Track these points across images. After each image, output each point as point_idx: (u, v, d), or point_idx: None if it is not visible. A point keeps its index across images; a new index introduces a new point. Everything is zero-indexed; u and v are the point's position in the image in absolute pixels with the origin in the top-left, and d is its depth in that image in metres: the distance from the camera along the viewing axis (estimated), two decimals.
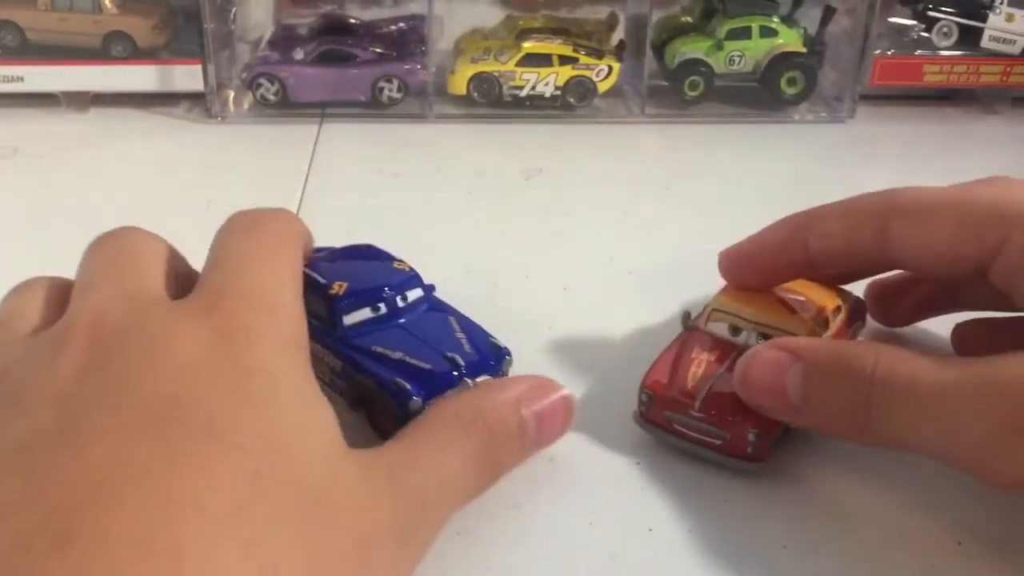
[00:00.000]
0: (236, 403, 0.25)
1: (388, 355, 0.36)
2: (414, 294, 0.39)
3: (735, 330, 0.38)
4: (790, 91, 0.70)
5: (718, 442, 0.35)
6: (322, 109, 0.69)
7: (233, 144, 0.65)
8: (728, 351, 0.37)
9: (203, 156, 0.63)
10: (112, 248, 0.32)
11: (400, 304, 0.38)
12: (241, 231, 0.33)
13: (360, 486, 0.27)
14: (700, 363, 0.36)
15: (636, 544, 0.32)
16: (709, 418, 0.35)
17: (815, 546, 0.33)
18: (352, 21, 0.74)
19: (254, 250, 0.32)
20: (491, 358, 0.37)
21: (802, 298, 0.39)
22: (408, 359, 0.36)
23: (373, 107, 0.69)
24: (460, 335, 0.37)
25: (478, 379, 0.36)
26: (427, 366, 0.35)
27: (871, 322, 0.43)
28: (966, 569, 0.32)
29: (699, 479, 0.35)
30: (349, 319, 0.37)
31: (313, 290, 0.38)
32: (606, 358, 0.42)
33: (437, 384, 0.35)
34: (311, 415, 0.27)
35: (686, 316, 0.39)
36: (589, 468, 0.36)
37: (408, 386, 0.34)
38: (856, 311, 0.41)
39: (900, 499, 0.35)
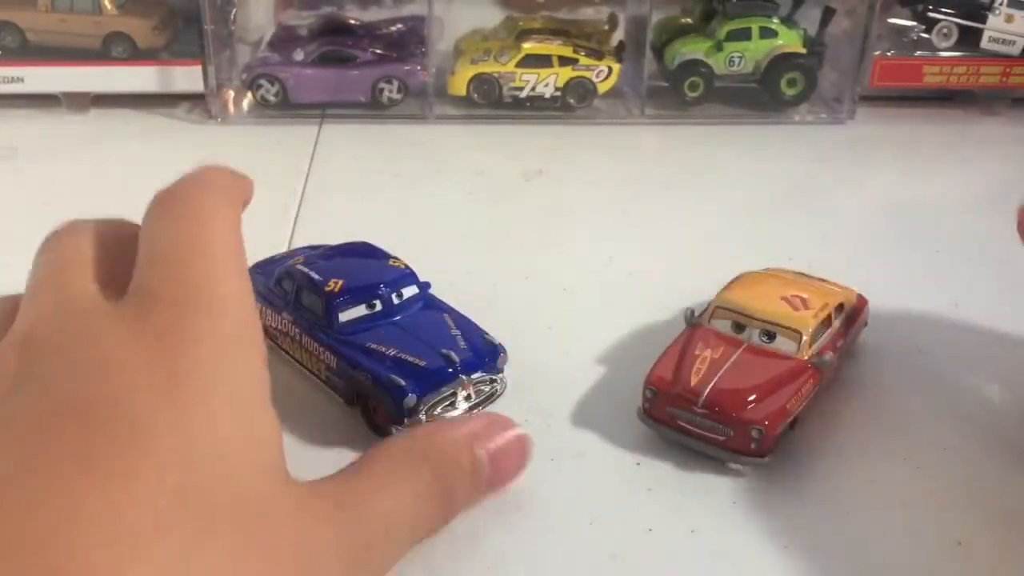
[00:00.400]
0: (164, 413, 0.23)
1: (383, 352, 0.36)
2: (409, 291, 0.39)
3: (738, 327, 0.38)
4: (790, 92, 0.70)
5: (722, 438, 0.35)
6: (322, 110, 0.69)
7: (233, 145, 0.65)
8: (732, 348, 0.37)
9: (203, 157, 0.62)
10: (54, 253, 0.30)
11: (395, 301, 0.38)
12: (164, 215, 0.29)
13: (301, 512, 0.25)
14: (704, 359, 0.37)
15: (636, 544, 0.32)
16: (713, 414, 0.35)
17: (815, 546, 0.33)
18: (352, 22, 0.74)
19: (182, 237, 0.28)
20: (486, 355, 0.37)
21: (805, 295, 0.39)
22: (403, 356, 0.36)
23: (373, 108, 0.69)
24: (455, 332, 0.38)
25: (473, 376, 0.36)
26: (422, 363, 0.36)
27: (876, 326, 0.43)
28: (966, 569, 0.32)
29: (699, 479, 0.35)
30: (344, 316, 0.37)
31: (309, 287, 0.38)
32: (606, 358, 0.42)
33: (432, 380, 0.35)
34: (251, 429, 0.25)
35: (690, 313, 0.40)
36: (590, 468, 0.36)
37: (403, 382, 0.35)
38: (858, 309, 0.42)
39: (900, 499, 0.35)
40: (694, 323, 0.39)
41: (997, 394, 0.41)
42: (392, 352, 0.36)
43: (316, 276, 0.38)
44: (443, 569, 0.31)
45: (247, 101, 0.70)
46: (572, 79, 0.69)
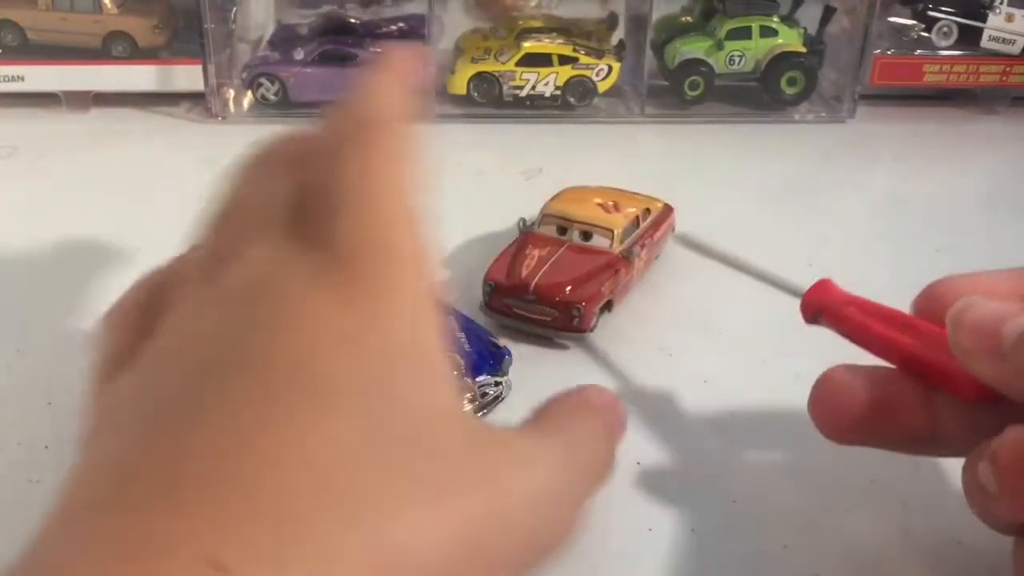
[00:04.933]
0: (349, 368, 0.23)
1: None
2: None
3: (562, 230, 0.46)
4: (790, 91, 0.70)
5: (549, 319, 0.42)
6: (322, 109, 0.69)
7: (233, 144, 0.64)
8: (556, 247, 0.45)
9: (203, 156, 0.63)
10: (245, 192, 0.29)
11: None
12: (353, 151, 0.28)
13: (504, 451, 0.25)
14: (533, 257, 0.44)
15: (637, 544, 0.33)
16: (541, 300, 0.42)
17: (815, 546, 0.33)
18: (352, 21, 0.74)
19: (372, 178, 0.27)
20: (490, 358, 0.37)
21: (616, 202, 0.48)
22: None
23: None
24: (459, 335, 0.37)
25: (478, 379, 0.36)
26: None
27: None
28: (966, 569, 0.32)
29: (699, 479, 0.35)
30: None
31: None
32: (606, 358, 0.43)
33: None
34: (434, 380, 0.25)
35: (522, 221, 0.47)
36: None
37: None
38: (664, 215, 0.50)
39: (900, 499, 0.35)
40: (526, 230, 0.47)
41: None
42: None
43: None
44: None
45: (247, 100, 0.70)
46: (572, 78, 0.69)
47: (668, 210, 0.51)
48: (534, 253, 0.44)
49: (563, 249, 0.45)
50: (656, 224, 0.49)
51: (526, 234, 0.47)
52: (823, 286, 0.34)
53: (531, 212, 0.57)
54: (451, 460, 0.23)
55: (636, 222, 0.47)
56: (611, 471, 0.29)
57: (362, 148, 0.28)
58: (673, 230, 0.50)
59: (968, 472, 0.29)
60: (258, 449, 0.21)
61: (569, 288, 0.42)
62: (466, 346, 0.37)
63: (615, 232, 0.45)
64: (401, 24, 0.74)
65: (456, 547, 0.22)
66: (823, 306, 0.34)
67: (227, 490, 0.20)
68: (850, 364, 0.32)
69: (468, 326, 0.38)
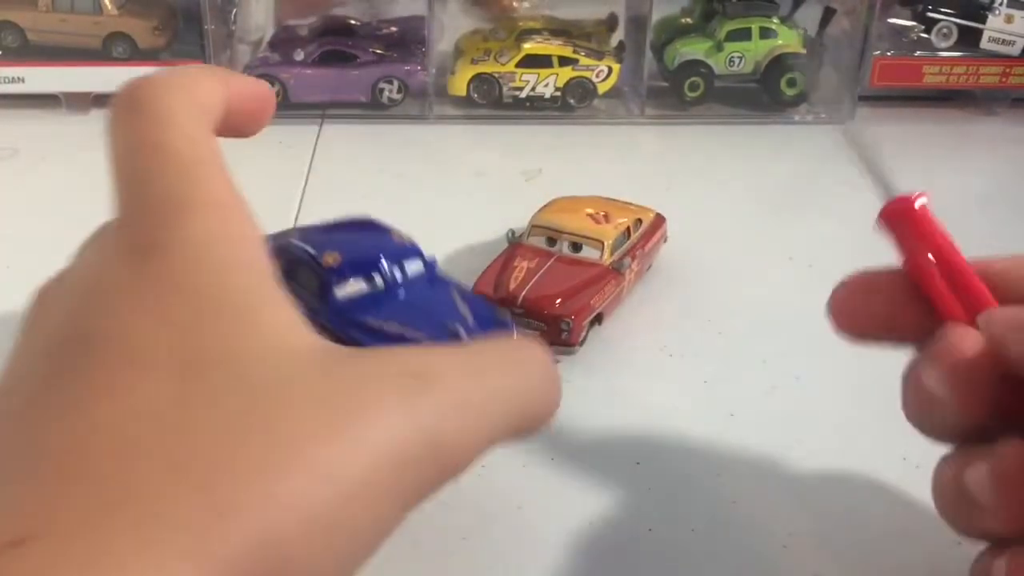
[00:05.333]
0: (152, 327, 0.23)
1: (382, 328, 0.33)
2: (413, 267, 0.36)
3: (551, 241, 0.45)
4: (790, 92, 0.70)
5: (537, 333, 0.41)
6: (322, 110, 0.69)
7: (233, 144, 0.65)
8: (545, 258, 0.44)
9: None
10: None
11: (398, 277, 0.35)
12: (118, 122, 0.28)
13: (341, 383, 0.22)
14: (521, 269, 0.43)
15: (637, 544, 0.33)
16: (528, 313, 0.41)
17: (815, 546, 0.33)
18: (352, 22, 0.74)
19: (137, 142, 0.26)
20: (495, 330, 0.35)
21: (606, 212, 0.47)
22: (404, 332, 0.33)
23: (373, 108, 0.69)
24: (462, 307, 0.35)
25: None
26: (424, 338, 0.32)
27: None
28: (966, 569, 0.32)
29: (700, 479, 0.35)
30: (341, 292, 0.34)
31: (304, 262, 0.35)
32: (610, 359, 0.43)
33: None
34: (253, 322, 0.23)
35: (511, 233, 0.47)
36: (589, 468, 0.36)
37: None
38: (655, 225, 0.49)
39: (900, 499, 0.35)
40: (514, 241, 0.46)
41: None
42: (392, 329, 0.33)
43: (312, 250, 0.35)
44: (441, 568, 0.31)
45: None
46: (572, 79, 0.69)
47: (660, 220, 0.50)
48: (522, 265, 0.43)
49: (552, 261, 0.44)
50: (647, 235, 0.48)
51: (515, 245, 0.46)
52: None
53: (531, 213, 0.57)
54: (298, 406, 0.21)
55: (627, 233, 0.46)
56: (544, 415, 0.26)
57: (124, 120, 0.28)
58: (665, 240, 0.50)
59: (943, 476, 0.28)
60: (68, 422, 0.21)
61: (558, 301, 0.41)
62: (469, 319, 0.34)
63: (605, 243, 0.44)
64: (401, 25, 0.74)
65: (315, 515, 0.20)
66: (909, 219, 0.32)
67: (37, 464, 0.20)
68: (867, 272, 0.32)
69: (470, 298, 0.36)
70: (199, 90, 0.29)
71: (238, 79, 0.31)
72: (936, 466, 0.29)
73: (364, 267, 0.34)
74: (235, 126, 0.30)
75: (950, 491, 0.28)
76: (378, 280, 0.34)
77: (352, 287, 0.34)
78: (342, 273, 0.34)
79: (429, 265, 0.37)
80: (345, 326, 0.33)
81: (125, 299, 0.23)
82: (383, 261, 0.35)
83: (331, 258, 0.34)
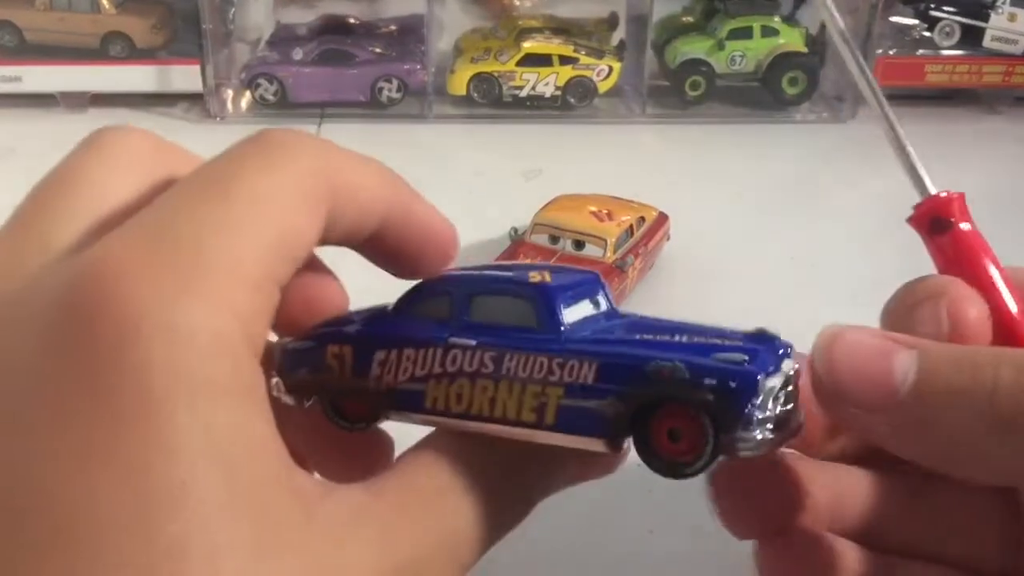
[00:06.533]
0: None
1: (669, 340, 0.24)
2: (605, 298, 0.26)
3: (554, 239, 0.45)
4: (791, 91, 0.70)
5: None
6: (321, 109, 0.69)
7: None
8: (547, 256, 0.44)
9: (202, 156, 0.63)
10: None
11: (612, 303, 0.26)
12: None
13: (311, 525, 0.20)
14: None
15: (637, 545, 0.32)
16: None
17: None
18: (351, 21, 0.74)
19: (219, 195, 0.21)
20: (767, 342, 0.24)
21: (609, 210, 0.47)
22: (700, 340, 0.23)
23: (372, 107, 0.69)
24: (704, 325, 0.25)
25: (786, 365, 0.24)
26: (736, 342, 0.23)
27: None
28: None
29: (700, 479, 0.35)
30: (569, 315, 0.24)
31: (494, 290, 0.25)
32: None
33: (767, 354, 0.23)
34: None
35: (513, 231, 0.47)
36: None
37: (744, 357, 0.22)
38: (658, 224, 0.49)
39: None
40: (517, 239, 0.46)
41: None
42: (683, 339, 0.24)
43: (500, 273, 0.26)
44: None
45: (246, 100, 0.69)
46: (572, 78, 0.69)
47: (663, 218, 0.50)
48: (524, 263, 0.43)
49: (555, 259, 0.44)
50: (650, 232, 0.48)
51: (517, 243, 0.46)
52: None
53: (530, 213, 0.57)
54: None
55: (630, 231, 0.46)
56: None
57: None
58: (668, 238, 0.50)
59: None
60: None
61: None
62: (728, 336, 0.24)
63: (608, 241, 0.45)
64: (401, 24, 0.74)
65: None
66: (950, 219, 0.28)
67: None
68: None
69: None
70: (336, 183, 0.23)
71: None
72: None
73: (584, 285, 0.26)
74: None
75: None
76: (602, 302, 0.26)
77: (579, 310, 0.25)
78: (566, 290, 0.25)
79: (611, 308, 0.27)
80: (606, 347, 0.24)
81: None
82: (598, 279, 0.27)
83: (538, 276, 0.25)
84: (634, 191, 0.59)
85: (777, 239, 0.53)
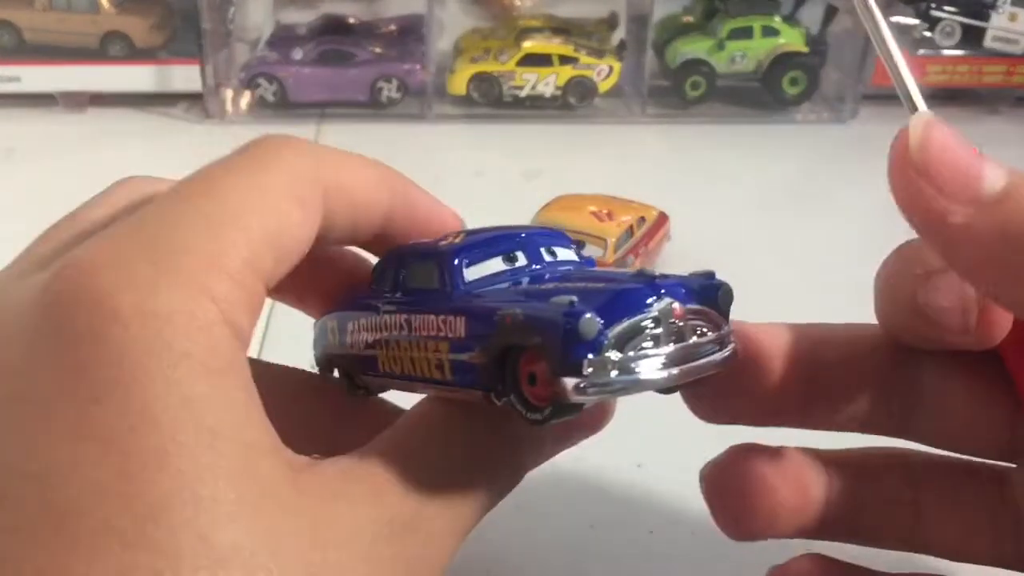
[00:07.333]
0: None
1: (538, 289, 0.25)
2: (565, 253, 0.27)
3: None
4: (792, 91, 0.70)
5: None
6: (321, 109, 0.69)
7: (231, 144, 0.64)
8: None
9: (201, 156, 0.62)
10: None
11: (545, 257, 0.27)
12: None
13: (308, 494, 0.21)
14: None
15: (637, 546, 0.32)
16: None
17: (814, 547, 0.32)
18: (351, 21, 0.74)
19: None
20: (700, 288, 0.25)
21: (609, 210, 0.47)
22: (570, 285, 0.24)
23: (372, 107, 0.69)
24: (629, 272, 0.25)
25: (689, 304, 0.24)
26: (601, 285, 0.24)
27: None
28: (966, 568, 0.31)
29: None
30: (473, 273, 0.25)
31: (418, 257, 0.27)
32: None
33: (622, 300, 0.22)
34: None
35: None
36: (590, 470, 0.36)
37: (573, 298, 0.22)
38: (659, 223, 0.49)
39: None
40: None
41: None
42: (550, 286, 0.25)
43: (427, 240, 0.27)
44: None
45: (245, 100, 0.69)
46: (573, 78, 0.69)
47: (663, 218, 0.50)
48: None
49: None
50: (651, 232, 0.48)
51: None
52: None
53: (530, 213, 0.56)
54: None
55: (631, 231, 0.46)
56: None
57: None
58: (668, 238, 0.50)
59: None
60: None
61: None
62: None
63: (609, 241, 0.45)
64: (400, 24, 0.74)
65: None
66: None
67: None
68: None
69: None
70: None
71: None
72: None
73: (499, 242, 0.27)
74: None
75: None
76: (520, 257, 0.27)
77: (486, 267, 0.26)
78: (468, 250, 0.26)
79: (585, 261, 0.28)
80: (480, 300, 0.25)
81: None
82: (522, 236, 0.28)
83: (452, 238, 0.27)
84: (634, 191, 0.59)
85: (777, 239, 0.53)
